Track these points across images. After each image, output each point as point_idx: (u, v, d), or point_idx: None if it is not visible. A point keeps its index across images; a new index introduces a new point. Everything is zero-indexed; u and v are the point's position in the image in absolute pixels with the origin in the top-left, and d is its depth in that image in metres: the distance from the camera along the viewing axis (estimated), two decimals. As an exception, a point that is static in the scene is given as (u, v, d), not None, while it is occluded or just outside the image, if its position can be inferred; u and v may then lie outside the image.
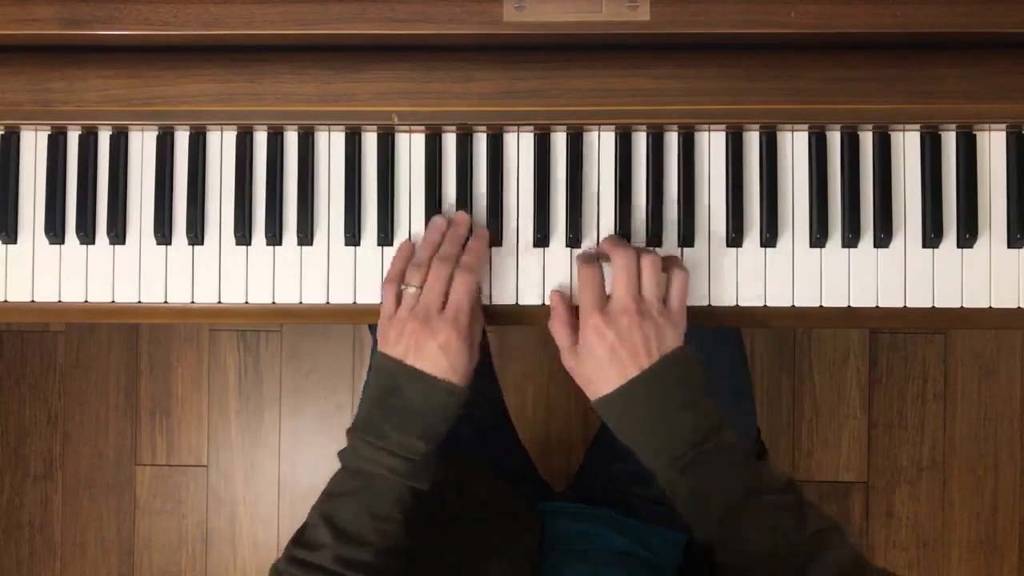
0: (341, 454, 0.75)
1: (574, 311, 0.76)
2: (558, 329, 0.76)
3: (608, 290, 0.74)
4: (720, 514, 0.69)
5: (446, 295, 0.75)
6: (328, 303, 0.81)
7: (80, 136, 0.82)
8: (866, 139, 0.80)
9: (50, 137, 0.82)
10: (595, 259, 0.76)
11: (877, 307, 0.80)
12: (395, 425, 0.73)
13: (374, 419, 0.73)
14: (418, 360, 0.73)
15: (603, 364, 0.71)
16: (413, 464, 0.73)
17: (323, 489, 0.75)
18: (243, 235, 0.81)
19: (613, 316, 0.71)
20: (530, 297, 0.80)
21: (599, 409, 0.73)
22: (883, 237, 0.79)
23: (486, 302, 0.80)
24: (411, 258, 0.78)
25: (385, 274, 0.79)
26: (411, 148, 0.81)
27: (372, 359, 0.76)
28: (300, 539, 0.73)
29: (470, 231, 0.79)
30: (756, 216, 0.80)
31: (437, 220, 0.79)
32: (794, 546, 0.68)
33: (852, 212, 0.79)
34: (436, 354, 0.73)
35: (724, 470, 0.69)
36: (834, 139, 0.80)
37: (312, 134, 0.81)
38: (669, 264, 0.76)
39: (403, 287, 0.76)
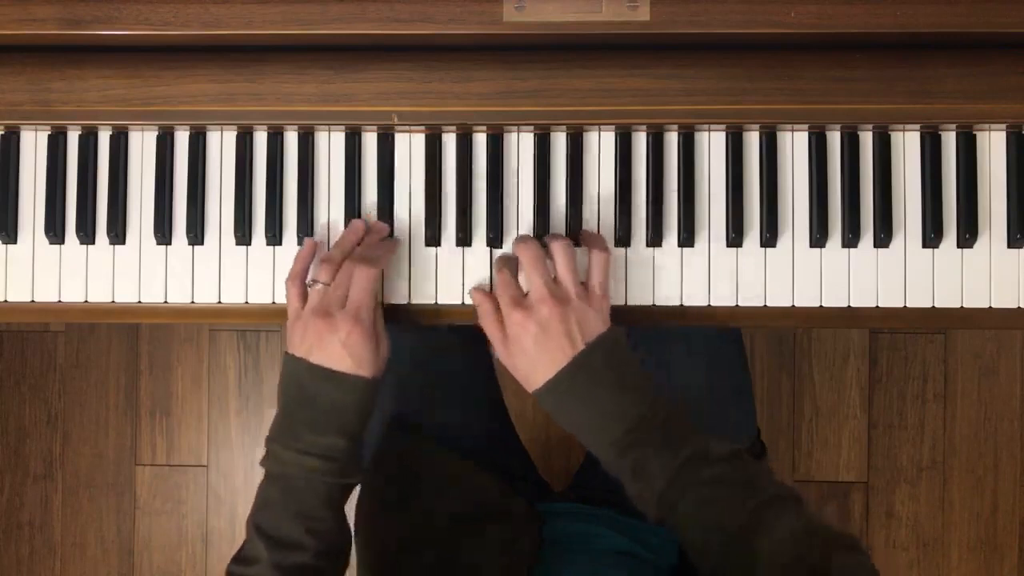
0: (262, 463, 0.74)
1: (498, 305, 0.76)
2: (488, 326, 0.76)
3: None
4: (663, 490, 0.69)
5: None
6: (328, 303, 0.81)
7: (80, 136, 0.82)
8: (866, 139, 0.80)
9: (50, 137, 0.82)
10: (504, 261, 0.76)
11: (877, 307, 0.80)
12: (309, 426, 0.72)
13: (288, 423, 0.73)
14: (322, 357, 0.73)
15: (532, 356, 0.72)
16: (334, 462, 0.72)
17: (253, 502, 0.74)
18: (243, 235, 0.81)
19: (532, 308, 0.72)
20: (530, 297, 0.80)
21: (538, 400, 0.73)
22: (883, 237, 0.79)
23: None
24: (314, 257, 0.78)
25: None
26: (411, 148, 0.81)
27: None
28: (238, 556, 0.73)
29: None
30: (756, 216, 0.80)
31: (357, 223, 0.79)
32: (742, 516, 0.67)
33: (852, 212, 0.79)
34: (339, 350, 0.72)
35: (664, 447, 0.70)
36: (834, 139, 0.80)
37: (312, 134, 0.81)
38: (590, 245, 0.76)
39: (309, 284, 0.76)
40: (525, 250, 0.74)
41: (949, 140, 0.80)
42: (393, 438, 0.93)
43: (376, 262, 0.75)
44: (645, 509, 0.72)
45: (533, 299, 0.72)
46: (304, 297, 0.76)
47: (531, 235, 0.79)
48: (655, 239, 0.80)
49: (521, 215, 0.81)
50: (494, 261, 0.79)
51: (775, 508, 0.68)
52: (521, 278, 0.76)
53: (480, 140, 0.81)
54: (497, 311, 0.75)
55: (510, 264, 0.76)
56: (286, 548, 0.71)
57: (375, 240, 0.78)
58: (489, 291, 0.78)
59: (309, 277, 0.77)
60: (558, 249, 0.74)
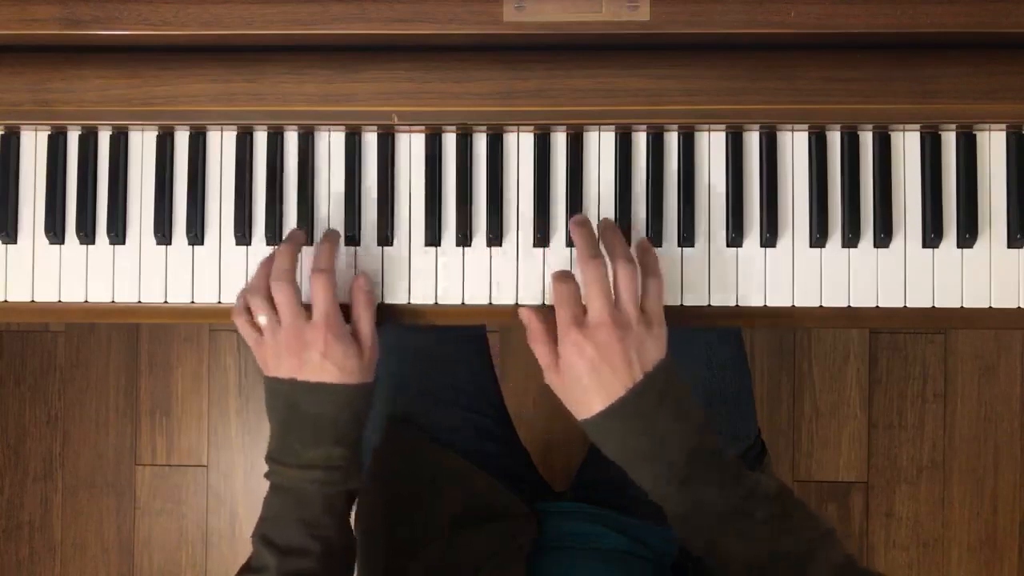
0: (267, 477, 0.75)
1: (550, 325, 0.72)
2: (537, 348, 0.72)
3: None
4: (712, 527, 0.68)
5: (306, 305, 0.73)
6: (328, 303, 0.81)
7: (80, 136, 0.82)
8: (866, 139, 0.80)
9: (50, 137, 0.82)
10: (569, 274, 0.73)
11: (877, 307, 0.80)
12: (306, 442, 0.73)
13: (284, 442, 0.73)
14: (307, 374, 0.72)
15: (585, 383, 0.68)
16: (335, 471, 0.73)
17: (259, 515, 0.75)
18: (243, 235, 0.81)
19: (591, 330, 0.68)
20: (530, 298, 0.80)
21: (586, 429, 0.71)
22: (883, 237, 0.79)
23: (481, 302, 0.80)
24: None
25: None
26: (411, 148, 0.81)
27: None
28: (246, 567, 0.74)
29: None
30: (756, 216, 0.80)
31: (269, 255, 0.77)
32: (786, 555, 0.67)
33: (852, 212, 0.79)
34: (320, 363, 0.72)
35: (716, 483, 0.68)
36: (834, 139, 0.80)
37: (312, 134, 0.81)
38: (644, 267, 0.73)
39: (256, 318, 0.74)
40: (594, 269, 0.70)
41: (949, 140, 0.80)
42: (393, 438, 0.93)
43: (327, 269, 0.74)
44: (689, 538, 0.70)
45: (593, 320, 0.68)
46: (255, 326, 0.75)
47: (598, 248, 0.73)
48: (655, 239, 0.80)
49: (521, 215, 0.81)
50: (552, 274, 0.73)
51: (819, 544, 0.68)
52: None
53: (480, 140, 0.81)
54: (548, 332, 0.72)
55: (572, 278, 0.72)
56: (292, 554, 0.71)
57: (290, 249, 0.76)
58: (543, 308, 0.75)
59: (255, 313, 0.74)
60: (623, 275, 0.70)
